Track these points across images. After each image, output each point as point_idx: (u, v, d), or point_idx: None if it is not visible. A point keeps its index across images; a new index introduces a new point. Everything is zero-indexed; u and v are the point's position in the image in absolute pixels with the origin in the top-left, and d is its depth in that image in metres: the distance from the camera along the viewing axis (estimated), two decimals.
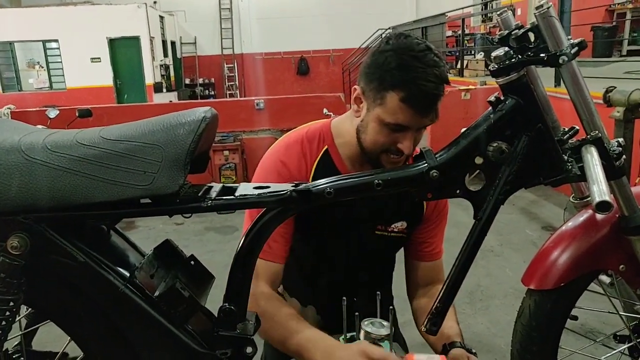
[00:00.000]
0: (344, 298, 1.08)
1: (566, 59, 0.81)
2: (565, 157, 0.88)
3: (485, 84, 6.11)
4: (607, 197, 0.74)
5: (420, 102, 0.96)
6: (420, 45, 0.97)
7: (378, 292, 1.08)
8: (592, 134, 0.85)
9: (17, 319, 0.87)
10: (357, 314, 0.99)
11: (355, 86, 1.06)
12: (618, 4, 8.58)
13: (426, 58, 0.96)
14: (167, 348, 0.84)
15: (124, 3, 12.93)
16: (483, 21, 12.60)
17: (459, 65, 8.53)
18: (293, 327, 1.04)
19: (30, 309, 0.97)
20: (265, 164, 1.15)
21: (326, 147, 1.14)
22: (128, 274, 0.82)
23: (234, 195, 0.85)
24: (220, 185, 0.89)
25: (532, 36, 0.86)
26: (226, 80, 16.07)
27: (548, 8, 0.81)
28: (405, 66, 0.95)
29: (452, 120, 5.02)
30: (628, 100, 2.98)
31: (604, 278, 1.07)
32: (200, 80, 16.07)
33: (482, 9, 13.03)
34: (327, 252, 1.20)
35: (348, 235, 1.18)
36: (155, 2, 14.69)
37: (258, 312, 0.94)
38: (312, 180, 1.11)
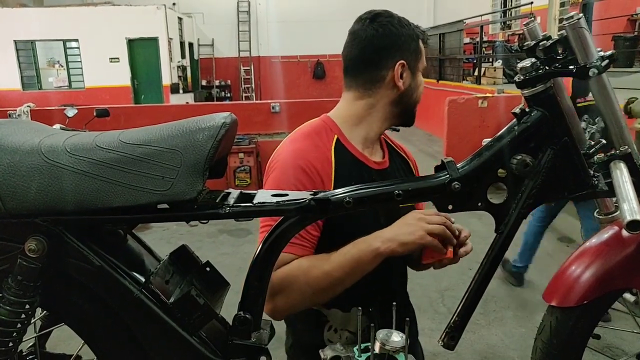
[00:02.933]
0: (359, 308, 1.06)
1: (596, 71, 0.79)
2: (592, 172, 0.86)
3: (503, 92, 6.05)
4: (639, 216, 0.71)
5: (427, 40, 1.22)
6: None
7: (394, 303, 1.06)
8: (621, 149, 0.83)
9: (32, 321, 0.87)
10: (372, 324, 0.97)
11: (401, 61, 1.14)
12: None
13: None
14: (180, 355, 0.83)
15: (144, 4, 13.08)
16: (502, 29, 12.51)
17: (476, 73, 8.46)
18: (326, 256, 1.02)
19: (45, 312, 0.97)
20: (287, 165, 1.11)
21: (336, 135, 1.16)
22: (143, 279, 0.82)
23: (252, 203, 0.84)
24: (238, 191, 0.88)
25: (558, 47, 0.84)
26: (242, 82, 16.16)
27: (579, 19, 0.79)
28: (405, 23, 1.16)
29: (469, 127, 5.02)
30: None
31: (629, 296, 1.04)
32: (217, 82, 16.18)
33: (500, 17, 12.94)
34: (357, 226, 1.12)
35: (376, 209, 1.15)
36: (174, 4, 14.85)
37: (285, 283, 0.98)
38: (334, 165, 1.11)
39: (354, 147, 1.17)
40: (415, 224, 0.97)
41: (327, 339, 1.20)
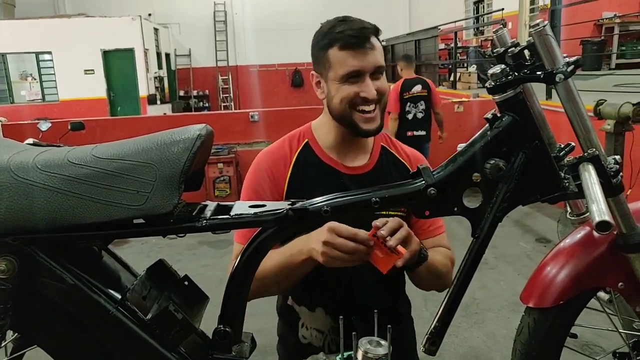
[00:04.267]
0: (341, 317, 1.06)
1: (562, 77, 0.81)
2: (562, 174, 0.88)
3: (479, 97, 6.15)
4: (607, 216, 0.73)
5: (354, 41, 1.07)
6: (346, 16, 1.14)
7: (375, 311, 1.06)
8: (589, 151, 0.85)
9: (3, 344, 0.85)
10: (354, 333, 0.97)
11: (312, 72, 1.18)
12: (606, 18, 8.70)
13: (350, 18, 1.12)
14: None
15: (119, 15, 12.94)
16: (475, 34, 12.75)
17: (451, 78, 8.59)
18: (272, 252, 1.04)
19: (16, 334, 0.94)
20: (252, 168, 1.23)
21: (306, 140, 1.23)
22: (119, 296, 0.80)
23: (229, 215, 0.83)
24: (215, 204, 0.88)
25: (527, 53, 0.86)
26: (220, 92, 16.10)
27: (544, 27, 0.81)
28: (333, 26, 1.11)
29: (445, 132, 5.07)
30: (618, 113, 3.01)
31: (603, 295, 1.06)
32: (195, 92, 16.07)
33: (474, 23, 13.19)
34: None
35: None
36: (149, 15, 14.73)
37: None
38: (292, 168, 1.19)
39: (323, 151, 1.21)
40: (320, 248, 0.96)
41: (301, 336, 1.26)
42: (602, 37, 8.59)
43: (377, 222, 0.95)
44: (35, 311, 0.81)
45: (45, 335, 0.83)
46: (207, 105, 16.03)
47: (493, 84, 0.85)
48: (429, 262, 1.08)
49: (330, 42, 1.09)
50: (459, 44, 10.44)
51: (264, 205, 0.87)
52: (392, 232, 0.95)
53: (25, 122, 6.34)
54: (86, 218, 0.75)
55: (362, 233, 0.95)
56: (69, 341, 0.83)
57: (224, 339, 0.84)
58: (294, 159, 1.20)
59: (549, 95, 4.72)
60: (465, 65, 9.67)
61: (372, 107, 1.11)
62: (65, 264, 0.78)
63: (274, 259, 1.07)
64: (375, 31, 1.11)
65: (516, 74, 0.84)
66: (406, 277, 1.32)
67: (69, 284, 0.77)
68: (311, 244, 1.00)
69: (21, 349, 0.95)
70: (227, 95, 16.08)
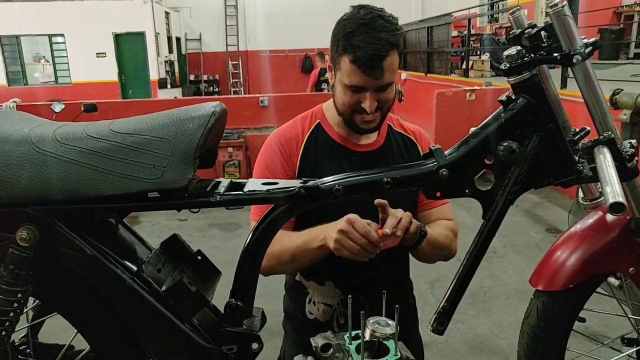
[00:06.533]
0: (349, 296, 1.08)
1: (580, 58, 0.80)
2: (577, 158, 0.88)
3: (491, 85, 6.08)
4: (621, 198, 0.73)
5: (365, 63, 1.04)
6: (373, 12, 1.07)
7: (384, 291, 1.08)
8: (604, 134, 0.84)
9: (25, 310, 0.87)
10: (362, 312, 0.99)
11: (326, 55, 1.19)
12: (626, 6, 8.53)
13: (374, 24, 1.05)
14: (173, 343, 0.84)
15: None
16: (489, 22, 12.55)
17: (464, 66, 8.49)
18: (294, 234, 1.13)
19: (37, 301, 0.97)
20: (266, 145, 1.25)
21: (318, 120, 1.26)
22: (135, 268, 0.82)
23: (243, 191, 0.84)
24: (229, 180, 0.89)
25: (544, 35, 0.86)
26: (230, 77, 16.08)
27: (563, 7, 0.80)
28: (352, 32, 1.05)
29: (457, 120, 5.05)
30: (635, 103, 2.96)
31: (613, 280, 1.06)
32: (205, 77, 16.08)
33: (488, 10, 12.99)
34: (337, 210, 1.15)
35: None
36: None
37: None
38: (304, 146, 1.22)
39: (334, 130, 1.25)
40: (335, 235, 1.01)
41: (308, 311, 1.29)
42: (621, 26, 8.42)
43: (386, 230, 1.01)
44: (55, 279, 0.83)
45: (64, 303, 0.85)
46: (217, 89, 16.05)
47: (508, 65, 0.85)
48: (428, 236, 1.12)
49: (344, 48, 1.07)
50: (473, 32, 10.29)
51: (276, 183, 0.88)
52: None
53: (40, 103, 6.39)
54: (103, 190, 0.76)
55: (373, 234, 0.99)
56: (87, 309, 0.85)
57: (235, 312, 0.86)
58: (306, 137, 1.23)
59: (564, 85, 4.66)
60: (479, 53, 9.54)
61: (373, 115, 1.12)
62: (84, 234, 0.80)
63: (293, 239, 1.11)
64: (393, 46, 1.06)
65: (532, 55, 0.84)
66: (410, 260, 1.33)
67: (87, 254, 0.79)
68: (329, 231, 1.04)
69: (42, 315, 0.98)
70: (237, 80, 16.06)
